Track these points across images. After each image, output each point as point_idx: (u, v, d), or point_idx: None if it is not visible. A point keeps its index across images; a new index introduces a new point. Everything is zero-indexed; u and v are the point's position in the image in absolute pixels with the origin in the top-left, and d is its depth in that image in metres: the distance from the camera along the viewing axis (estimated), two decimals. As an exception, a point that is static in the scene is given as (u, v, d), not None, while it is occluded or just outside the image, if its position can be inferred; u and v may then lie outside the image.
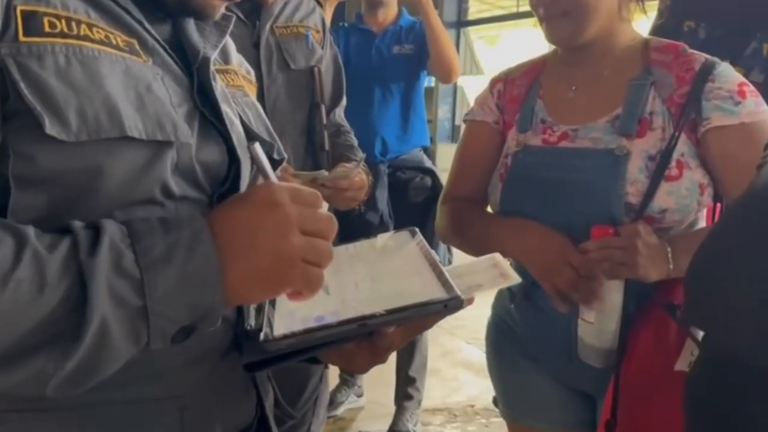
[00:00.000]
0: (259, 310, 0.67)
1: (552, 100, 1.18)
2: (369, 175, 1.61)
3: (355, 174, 1.51)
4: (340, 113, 1.86)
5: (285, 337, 0.58)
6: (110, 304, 0.48)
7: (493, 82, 1.29)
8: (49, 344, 0.47)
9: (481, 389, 3.01)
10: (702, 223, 1.12)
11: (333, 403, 2.66)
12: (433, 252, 0.71)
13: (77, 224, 0.51)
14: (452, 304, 0.59)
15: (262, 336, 0.60)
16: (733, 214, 0.68)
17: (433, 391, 2.81)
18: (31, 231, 0.49)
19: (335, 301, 0.64)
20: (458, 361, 3.29)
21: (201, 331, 0.54)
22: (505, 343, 1.26)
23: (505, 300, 1.24)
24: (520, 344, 1.22)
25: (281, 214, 0.54)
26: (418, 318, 0.62)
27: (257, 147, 0.60)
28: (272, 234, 0.54)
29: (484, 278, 0.70)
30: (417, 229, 0.78)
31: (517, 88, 1.23)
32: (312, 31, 1.74)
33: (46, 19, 0.54)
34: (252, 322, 0.67)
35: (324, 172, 1.47)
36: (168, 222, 0.53)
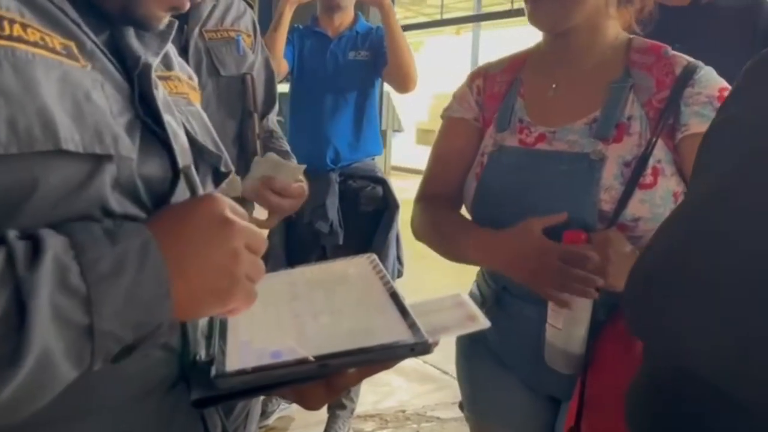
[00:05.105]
0: (209, 338, 0.63)
1: (532, 98, 1.15)
2: (305, 183, 1.56)
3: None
4: (273, 119, 1.80)
5: (240, 373, 0.55)
6: (54, 325, 0.44)
7: (472, 77, 1.25)
8: None
9: (412, 394, 3.02)
10: None
11: (264, 413, 2.60)
12: (394, 284, 0.68)
13: (11, 234, 0.46)
14: (419, 348, 0.57)
15: (213, 370, 0.56)
16: (678, 220, 0.65)
17: (364, 397, 2.80)
18: None
19: (292, 334, 0.60)
20: (389, 366, 3.29)
21: (143, 350, 0.51)
22: (475, 347, 1.24)
23: (476, 304, 1.23)
24: (490, 348, 1.21)
25: (232, 230, 0.54)
26: (382, 360, 0.60)
27: (192, 172, 0.59)
28: (225, 251, 0.53)
29: (451, 320, 0.67)
30: (375, 256, 0.75)
31: (498, 85, 1.20)
32: (243, 35, 1.69)
33: None
34: (202, 352, 0.63)
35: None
36: (113, 232, 0.50)
